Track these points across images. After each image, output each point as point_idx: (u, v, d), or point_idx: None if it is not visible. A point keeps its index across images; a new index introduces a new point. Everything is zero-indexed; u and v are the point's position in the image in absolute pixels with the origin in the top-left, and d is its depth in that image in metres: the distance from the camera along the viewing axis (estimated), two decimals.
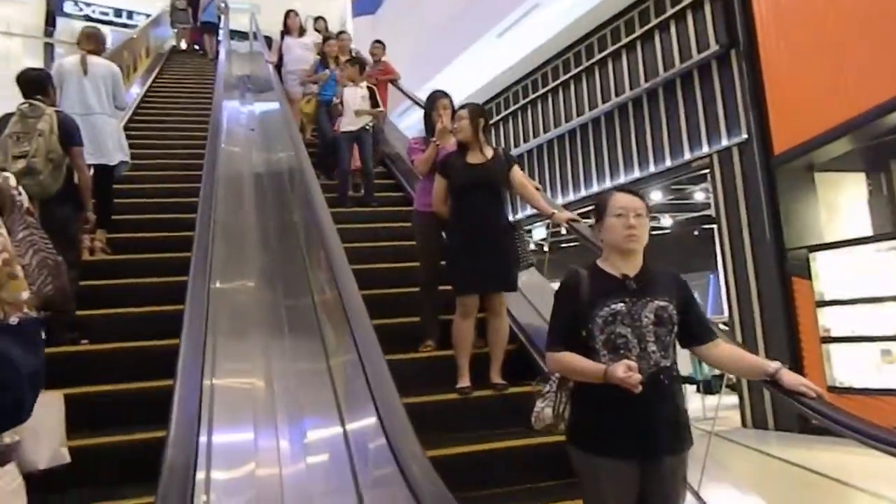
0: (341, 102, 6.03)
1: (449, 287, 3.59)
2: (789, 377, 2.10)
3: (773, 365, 2.12)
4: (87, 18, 18.32)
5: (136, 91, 8.65)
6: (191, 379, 1.86)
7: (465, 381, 3.34)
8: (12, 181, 2.16)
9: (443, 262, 3.75)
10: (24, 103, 3.62)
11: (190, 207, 4.31)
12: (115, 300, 3.75)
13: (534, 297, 3.90)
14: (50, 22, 17.93)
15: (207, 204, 3.33)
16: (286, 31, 8.10)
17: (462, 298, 3.38)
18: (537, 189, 3.74)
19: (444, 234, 3.76)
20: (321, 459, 2.47)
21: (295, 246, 4.12)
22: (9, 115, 3.60)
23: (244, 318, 3.28)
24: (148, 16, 14.67)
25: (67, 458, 1.83)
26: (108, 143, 4.63)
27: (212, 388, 2.55)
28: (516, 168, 3.61)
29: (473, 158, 3.52)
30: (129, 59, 8.98)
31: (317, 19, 9.46)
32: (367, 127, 5.99)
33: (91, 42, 4.94)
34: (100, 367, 3.05)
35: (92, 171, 4.19)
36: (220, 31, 12.27)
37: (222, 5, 12.57)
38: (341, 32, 8.22)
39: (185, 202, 4.89)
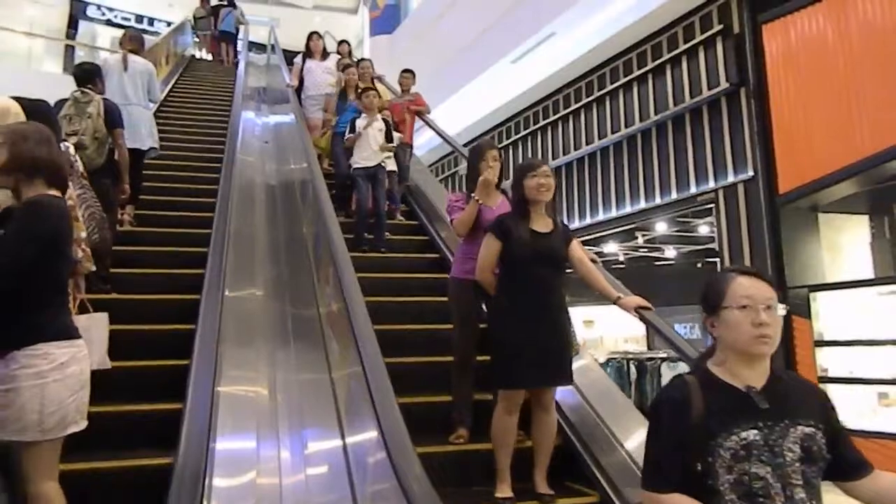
0: (355, 137, 5.56)
1: (484, 357, 3.11)
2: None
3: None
4: (109, 23, 18.64)
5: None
6: (202, 392, 1.92)
7: (506, 491, 2.83)
8: (71, 149, 3.15)
9: (482, 327, 3.31)
10: (76, 90, 4.31)
11: (203, 192, 5.82)
12: (138, 263, 4.47)
13: (581, 381, 3.37)
14: (72, 25, 18.22)
15: (223, 213, 3.42)
16: (308, 53, 7.61)
17: (509, 392, 2.88)
18: (594, 262, 3.21)
19: (484, 306, 3.33)
20: (321, 471, 2.52)
21: (304, 257, 4.20)
22: (63, 101, 4.24)
23: (251, 327, 3.34)
24: (169, 23, 14.91)
25: (109, 365, 2.62)
26: (141, 130, 5.27)
27: (217, 396, 2.61)
28: (575, 242, 3.11)
29: (539, 226, 2.99)
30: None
31: (340, 43, 8.83)
32: (383, 164, 5.61)
33: (132, 43, 5.77)
34: (125, 313, 3.47)
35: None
36: (240, 42, 12.52)
37: (241, 17, 12.84)
38: (361, 60, 7.62)
39: (200, 188, 5.99)
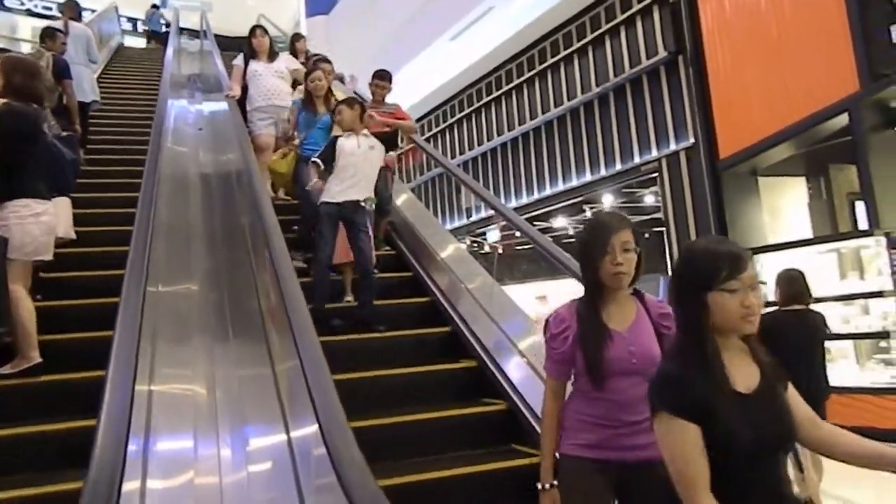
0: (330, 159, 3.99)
1: None
2: None
3: None
4: (29, 13, 17.75)
5: None
6: (120, 392, 1.79)
7: None
8: None
9: None
10: (33, 48, 5.52)
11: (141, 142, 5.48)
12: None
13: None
14: None
15: (147, 205, 3.25)
16: (251, 53, 5.73)
17: None
18: None
19: None
20: (264, 467, 2.42)
21: (243, 247, 4.04)
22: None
23: (185, 322, 3.19)
24: (93, 11, 14.26)
25: (73, 236, 3.59)
26: (84, 86, 6.12)
27: (149, 394, 2.47)
28: (792, 389, 1.58)
29: (744, 379, 1.49)
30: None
31: (296, 38, 6.85)
32: (364, 203, 3.93)
33: (70, 11, 6.68)
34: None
35: None
36: (169, 28, 12.16)
37: (168, 15, 13.02)
38: (321, 61, 5.53)
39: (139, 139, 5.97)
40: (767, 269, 6.80)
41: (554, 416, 1.96)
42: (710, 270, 1.47)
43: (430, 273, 4.33)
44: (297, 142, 4.87)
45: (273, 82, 5.65)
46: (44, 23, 7.76)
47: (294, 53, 6.42)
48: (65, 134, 3.57)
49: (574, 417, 1.95)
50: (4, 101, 3.16)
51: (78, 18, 6.77)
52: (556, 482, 1.92)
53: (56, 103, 4.85)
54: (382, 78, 4.98)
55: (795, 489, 1.64)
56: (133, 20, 18.82)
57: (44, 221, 3.07)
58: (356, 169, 3.96)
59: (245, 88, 5.65)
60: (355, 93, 5.75)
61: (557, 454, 1.96)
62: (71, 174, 3.49)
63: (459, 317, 3.78)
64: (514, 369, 3.24)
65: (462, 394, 3.33)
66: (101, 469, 1.47)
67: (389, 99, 5.08)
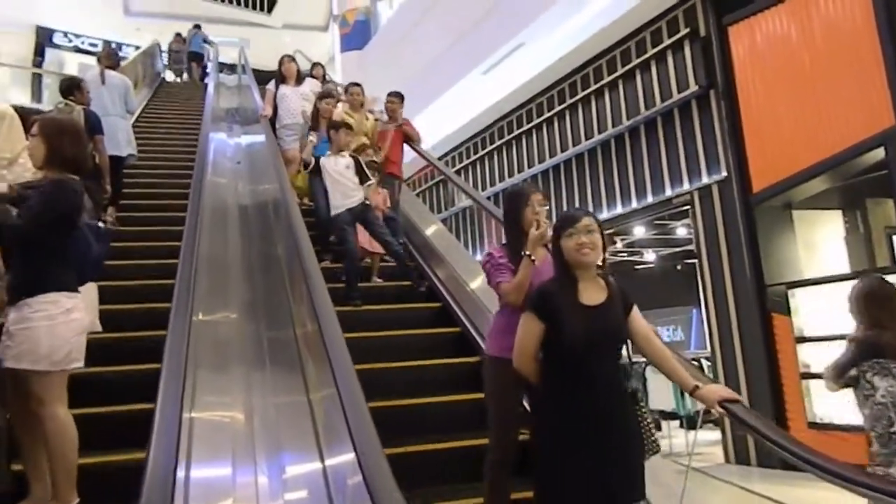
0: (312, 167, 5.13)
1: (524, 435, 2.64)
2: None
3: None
4: (77, 50, 18.49)
5: None
6: (169, 421, 1.86)
7: None
8: None
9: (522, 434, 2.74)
10: (60, 102, 4.89)
11: (178, 195, 5.84)
12: (120, 257, 4.64)
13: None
14: (39, 53, 18.03)
15: (191, 237, 3.36)
16: (281, 78, 6.90)
17: None
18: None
19: (525, 401, 2.69)
20: (300, 495, 2.45)
21: (278, 276, 4.13)
22: (50, 112, 4.72)
23: (225, 351, 3.27)
24: (137, 47, 14.82)
25: (99, 328, 3.18)
26: (119, 139, 5.75)
27: (191, 422, 2.54)
28: (636, 311, 2.43)
29: (591, 296, 2.31)
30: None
31: (314, 66, 8.29)
32: (367, 201, 4.98)
33: (108, 59, 6.36)
34: (108, 297, 3.73)
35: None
36: (210, 64, 12.53)
37: (207, 37, 13.04)
38: (352, 85, 6.57)
39: (175, 192, 6.13)
40: (803, 303, 6.71)
41: (526, 284, 2.61)
42: (560, 226, 2.33)
43: (433, 267, 5.28)
44: (304, 154, 5.78)
45: (298, 103, 6.72)
46: (90, 60, 7.78)
47: (314, 78, 7.77)
48: (100, 225, 3.09)
49: (499, 328, 2.74)
50: (55, 174, 2.68)
51: (115, 66, 6.43)
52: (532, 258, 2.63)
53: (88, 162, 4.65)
54: (395, 96, 6.29)
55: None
56: (108, 42, 19.04)
57: (75, 319, 2.58)
58: (343, 182, 4.95)
59: (276, 109, 6.74)
60: (370, 110, 6.82)
61: (486, 356, 2.80)
62: (91, 269, 2.92)
63: (450, 295, 4.73)
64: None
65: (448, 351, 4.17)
66: (150, 498, 1.53)
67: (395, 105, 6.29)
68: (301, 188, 6.12)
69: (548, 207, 2.90)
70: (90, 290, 3.09)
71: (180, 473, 2.14)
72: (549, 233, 2.51)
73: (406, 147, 6.34)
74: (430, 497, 2.80)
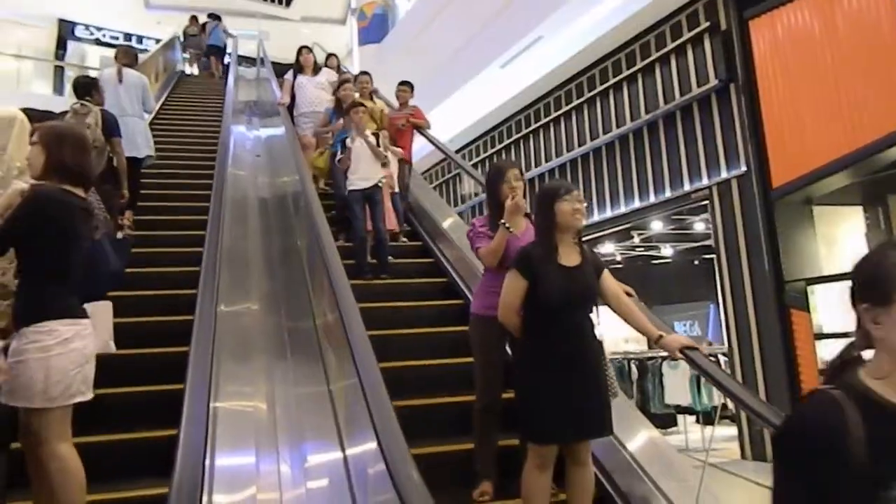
0: (347, 157, 5.29)
1: (509, 395, 2.86)
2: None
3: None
4: (98, 42, 18.66)
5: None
6: (198, 409, 1.91)
7: None
8: None
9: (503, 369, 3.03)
10: (76, 103, 4.56)
11: (197, 197, 5.82)
12: (136, 265, 4.35)
13: (620, 430, 2.93)
14: (61, 45, 18.22)
15: (215, 230, 3.40)
16: (299, 68, 7.24)
17: (541, 448, 2.56)
18: (629, 295, 2.86)
19: (508, 348, 3.01)
20: (321, 484, 2.50)
21: (298, 268, 4.19)
22: (64, 112, 4.47)
23: (248, 342, 3.32)
24: (158, 41, 14.93)
25: (114, 349, 2.80)
26: (137, 139, 5.49)
27: (214, 412, 2.59)
28: (607, 273, 2.78)
29: (568, 258, 2.65)
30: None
31: (329, 56, 8.61)
32: (380, 183, 5.25)
33: (126, 57, 6.03)
34: (127, 309, 3.58)
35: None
36: (228, 56, 12.59)
37: (226, 30, 12.99)
38: (361, 73, 7.11)
39: (194, 194, 6.01)
40: (823, 299, 6.67)
41: (500, 249, 2.97)
42: (556, 193, 2.62)
43: (438, 244, 5.66)
44: (330, 140, 6.15)
45: (315, 92, 7.06)
46: (112, 53, 7.09)
47: (329, 68, 7.93)
48: (119, 236, 2.96)
49: (483, 289, 3.11)
50: (40, 183, 2.46)
51: (133, 65, 6.07)
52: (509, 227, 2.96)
53: (105, 165, 4.43)
54: (405, 85, 6.72)
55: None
56: (128, 35, 19.05)
57: (76, 349, 2.30)
58: (364, 162, 5.21)
59: (293, 97, 7.06)
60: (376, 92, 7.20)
61: (473, 314, 3.13)
62: (105, 284, 2.79)
63: (454, 270, 5.08)
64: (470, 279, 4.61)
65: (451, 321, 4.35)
66: (181, 484, 1.57)
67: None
68: (322, 169, 6.36)
69: (523, 182, 3.11)
70: (104, 310, 2.80)
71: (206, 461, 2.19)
72: (523, 204, 2.99)
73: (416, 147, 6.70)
74: (425, 445, 2.98)
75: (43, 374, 2.21)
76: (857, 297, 1.19)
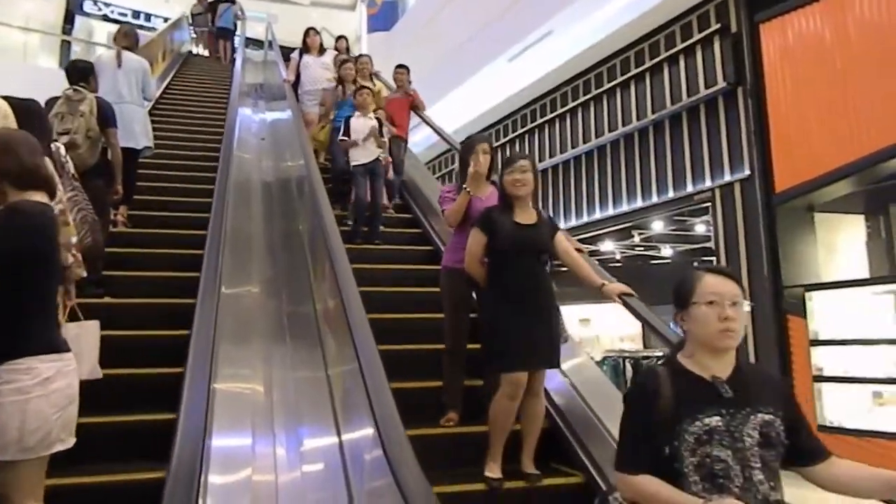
0: (347, 135, 5.64)
1: (474, 346, 3.31)
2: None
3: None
4: (106, 18, 18.57)
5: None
6: (198, 392, 1.92)
7: (496, 472, 2.93)
8: (62, 150, 2.95)
9: (471, 316, 3.48)
10: (69, 88, 4.18)
11: (197, 192, 5.74)
12: (133, 265, 4.37)
13: (570, 371, 3.52)
14: (68, 20, 18.13)
15: (220, 208, 3.41)
16: (305, 49, 7.70)
17: (511, 377, 2.91)
18: (580, 251, 3.32)
19: (474, 295, 3.40)
20: (317, 468, 2.52)
21: (301, 253, 4.19)
22: (55, 98, 4.14)
23: (248, 325, 3.34)
24: (166, 19, 14.88)
25: (100, 374, 2.47)
26: (135, 129, 5.08)
27: (213, 395, 2.60)
28: (561, 234, 3.24)
29: (523, 218, 3.11)
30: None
31: (338, 38, 9.08)
32: (381, 158, 5.70)
33: (126, 39, 5.55)
34: (119, 318, 3.48)
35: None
36: (237, 38, 12.50)
37: (239, 12, 12.82)
38: (360, 55, 7.44)
39: (194, 188, 5.90)
40: (820, 306, 6.68)
41: (461, 210, 3.48)
42: (503, 166, 3.12)
43: (427, 217, 6.02)
44: (331, 116, 6.50)
45: (319, 72, 7.47)
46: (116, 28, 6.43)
47: (337, 50, 8.45)
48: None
49: (451, 246, 3.59)
50: (16, 196, 2.09)
51: (133, 48, 5.61)
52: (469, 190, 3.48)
53: (98, 158, 4.16)
54: (402, 67, 7.02)
55: None
56: (137, 13, 18.97)
57: (57, 389, 1.97)
58: (366, 140, 5.60)
59: (298, 76, 7.49)
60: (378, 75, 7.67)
61: (442, 267, 3.64)
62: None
63: (440, 240, 5.38)
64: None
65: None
66: (180, 464, 1.59)
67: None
68: (322, 143, 6.66)
69: (490, 156, 3.59)
70: (91, 331, 2.52)
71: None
72: (483, 171, 3.50)
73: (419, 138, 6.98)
74: (405, 380, 3.21)
75: (19, 420, 1.87)
76: (675, 309, 1.78)
